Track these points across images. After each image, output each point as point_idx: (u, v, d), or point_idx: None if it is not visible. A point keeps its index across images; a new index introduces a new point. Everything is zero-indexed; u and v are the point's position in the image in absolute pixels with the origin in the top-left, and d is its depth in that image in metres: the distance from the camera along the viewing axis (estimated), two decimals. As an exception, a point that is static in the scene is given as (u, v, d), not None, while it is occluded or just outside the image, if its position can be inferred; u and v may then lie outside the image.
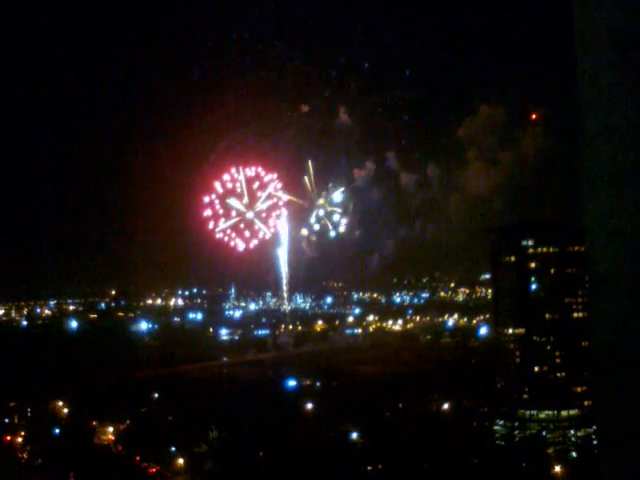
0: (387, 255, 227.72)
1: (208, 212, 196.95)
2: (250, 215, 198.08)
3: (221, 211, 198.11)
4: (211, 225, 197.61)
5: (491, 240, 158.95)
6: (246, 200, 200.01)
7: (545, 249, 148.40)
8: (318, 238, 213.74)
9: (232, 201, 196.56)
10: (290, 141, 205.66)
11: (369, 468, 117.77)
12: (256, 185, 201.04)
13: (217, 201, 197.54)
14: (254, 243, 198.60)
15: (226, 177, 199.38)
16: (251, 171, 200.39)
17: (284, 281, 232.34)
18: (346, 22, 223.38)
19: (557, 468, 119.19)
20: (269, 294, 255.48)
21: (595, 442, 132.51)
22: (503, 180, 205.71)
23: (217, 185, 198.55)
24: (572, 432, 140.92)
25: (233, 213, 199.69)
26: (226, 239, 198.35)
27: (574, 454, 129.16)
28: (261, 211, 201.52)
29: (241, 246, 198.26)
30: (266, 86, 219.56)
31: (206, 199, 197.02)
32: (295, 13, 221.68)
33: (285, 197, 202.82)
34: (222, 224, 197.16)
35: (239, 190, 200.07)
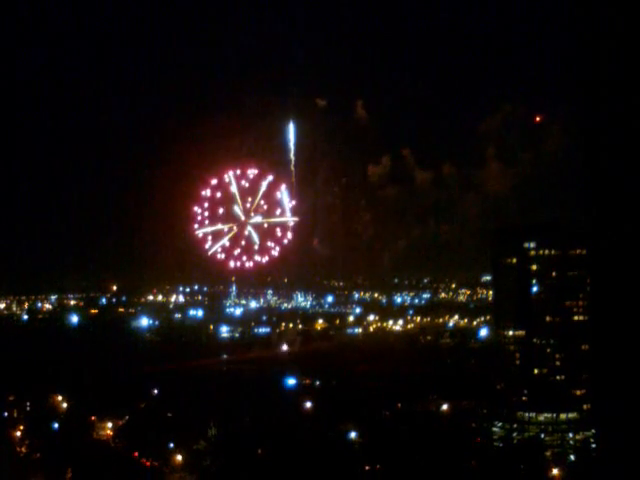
0: (389, 255, 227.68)
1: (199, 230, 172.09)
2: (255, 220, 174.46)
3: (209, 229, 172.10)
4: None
5: (493, 241, 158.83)
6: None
7: (547, 251, 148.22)
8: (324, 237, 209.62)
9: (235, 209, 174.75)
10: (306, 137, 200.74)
11: (367, 468, 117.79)
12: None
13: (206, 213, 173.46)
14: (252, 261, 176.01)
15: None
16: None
17: (285, 279, 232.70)
18: (363, 20, 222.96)
19: (555, 471, 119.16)
20: (270, 292, 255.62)
21: (594, 445, 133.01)
22: (508, 182, 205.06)
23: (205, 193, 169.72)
24: (571, 435, 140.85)
25: (225, 228, 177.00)
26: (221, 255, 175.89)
27: (572, 457, 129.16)
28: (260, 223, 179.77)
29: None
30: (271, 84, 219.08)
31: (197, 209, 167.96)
32: (308, 10, 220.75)
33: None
34: (210, 243, 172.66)
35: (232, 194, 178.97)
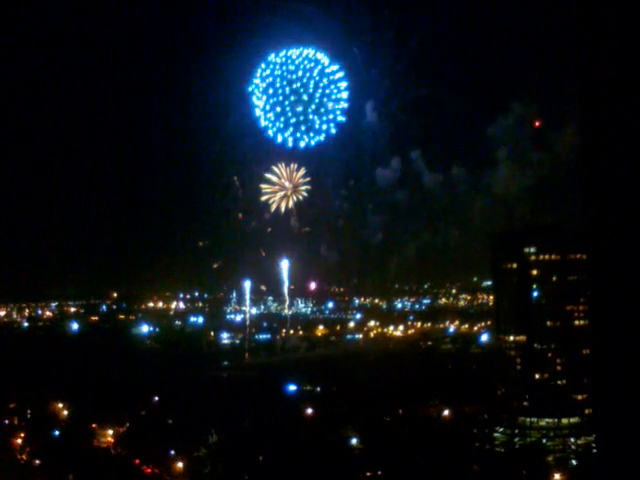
0: (390, 261, 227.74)
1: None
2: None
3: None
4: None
5: (493, 246, 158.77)
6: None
7: (547, 256, 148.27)
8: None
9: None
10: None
11: (368, 473, 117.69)
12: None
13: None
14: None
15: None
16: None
17: (285, 285, 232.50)
18: (371, 22, 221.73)
19: (557, 476, 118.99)
20: (270, 298, 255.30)
21: (595, 450, 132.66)
22: (508, 187, 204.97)
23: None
24: (572, 440, 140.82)
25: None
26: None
27: (574, 462, 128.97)
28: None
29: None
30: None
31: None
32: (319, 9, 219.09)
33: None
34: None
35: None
